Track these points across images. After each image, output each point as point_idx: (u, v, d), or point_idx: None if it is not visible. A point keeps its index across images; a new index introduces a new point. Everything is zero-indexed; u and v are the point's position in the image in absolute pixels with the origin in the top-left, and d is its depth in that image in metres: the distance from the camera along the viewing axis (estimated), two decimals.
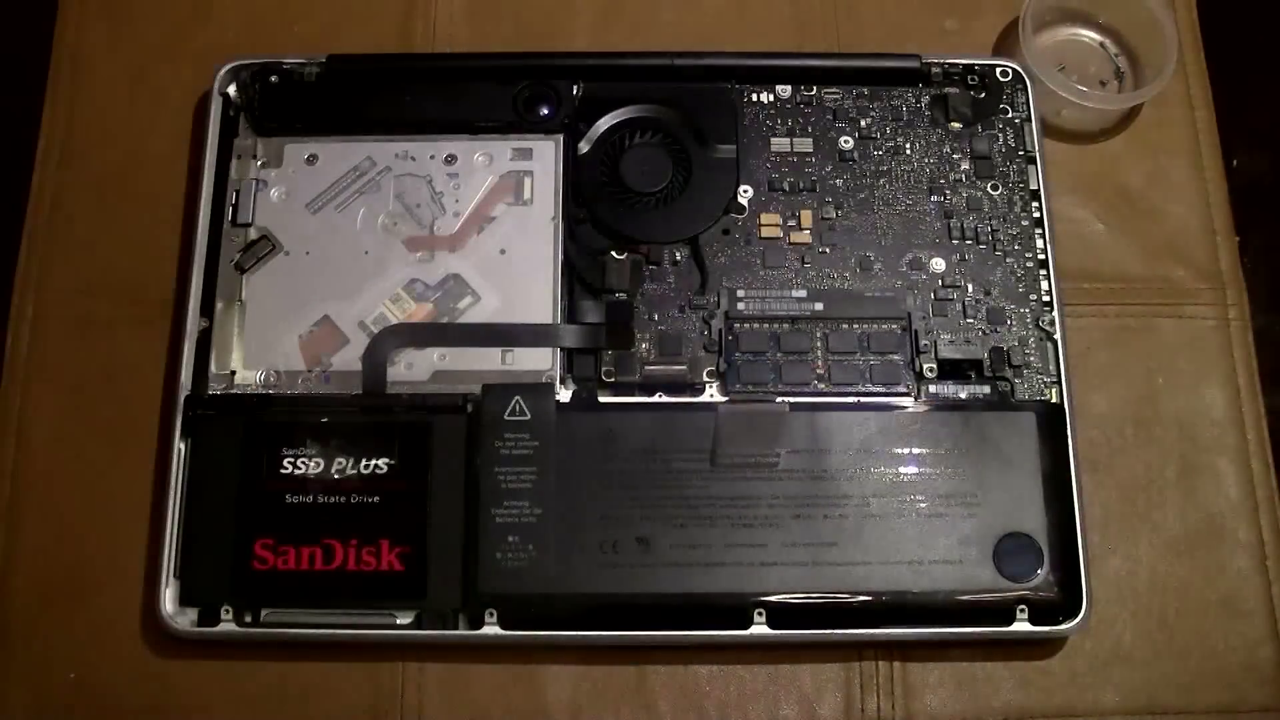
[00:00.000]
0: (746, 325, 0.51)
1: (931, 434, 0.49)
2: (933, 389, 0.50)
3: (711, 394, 0.50)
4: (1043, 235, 0.52)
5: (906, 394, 0.50)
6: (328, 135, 0.53)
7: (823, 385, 0.50)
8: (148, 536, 0.49)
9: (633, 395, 0.50)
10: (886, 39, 0.58)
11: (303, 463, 0.48)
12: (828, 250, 0.52)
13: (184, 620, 0.47)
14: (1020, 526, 0.47)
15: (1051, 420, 0.49)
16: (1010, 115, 0.54)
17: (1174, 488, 0.52)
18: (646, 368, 0.50)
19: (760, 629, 0.47)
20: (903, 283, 0.51)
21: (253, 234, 0.52)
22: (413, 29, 0.58)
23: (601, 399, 0.49)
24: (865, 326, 0.51)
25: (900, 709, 0.48)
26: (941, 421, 0.49)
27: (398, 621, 0.47)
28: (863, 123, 0.54)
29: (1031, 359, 0.50)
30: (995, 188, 0.53)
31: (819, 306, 0.51)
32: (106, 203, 0.55)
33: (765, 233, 0.52)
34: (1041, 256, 0.52)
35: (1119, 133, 0.57)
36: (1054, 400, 0.50)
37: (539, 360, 0.50)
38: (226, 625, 0.47)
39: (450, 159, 0.53)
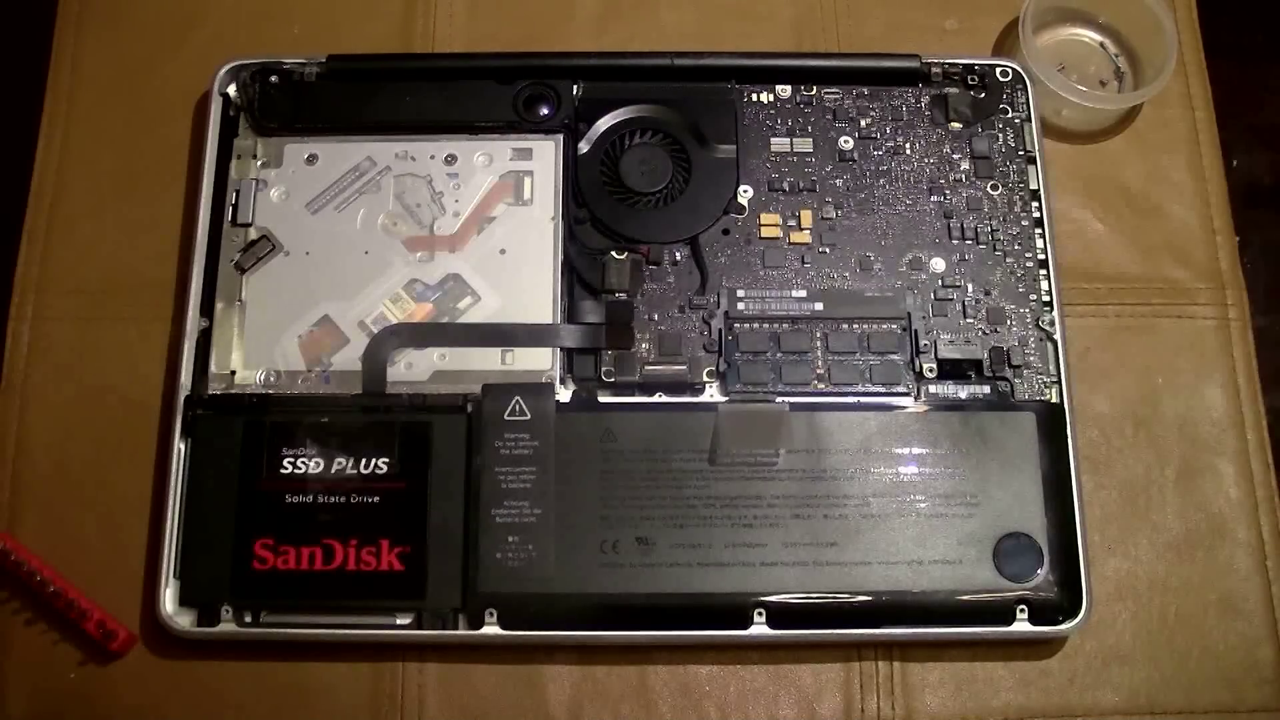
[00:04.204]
0: (746, 325, 0.51)
1: (931, 434, 0.49)
2: (933, 389, 0.50)
3: (711, 394, 0.50)
4: (1043, 235, 0.52)
5: (906, 394, 0.50)
6: (328, 135, 0.53)
7: (823, 385, 0.50)
8: (148, 536, 0.49)
9: (633, 395, 0.50)
10: (886, 39, 0.58)
11: (302, 462, 0.48)
12: (828, 250, 0.52)
13: (184, 620, 0.47)
14: (1020, 526, 0.47)
15: (1051, 420, 0.49)
16: (1010, 115, 0.54)
17: (1174, 488, 0.52)
18: (646, 368, 0.50)
19: (760, 629, 0.47)
20: (903, 283, 0.51)
21: (253, 234, 0.52)
22: (413, 29, 0.58)
23: (601, 399, 0.49)
24: (865, 326, 0.51)
25: (900, 709, 0.48)
26: (941, 421, 0.49)
27: (398, 621, 0.47)
28: (863, 123, 0.54)
29: (1031, 359, 0.50)
30: (995, 188, 0.53)
31: (819, 306, 0.51)
32: (106, 203, 0.55)
33: (765, 233, 0.52)
34: (1041, 256, 0.52)
35: (1119, 133, 0.57)
36: (1054, 400, 0.50)
37: (539, 360, 0.50)
38: (226, 625, 0.47)
39: (450, 159, 0.53)
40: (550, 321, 0.50)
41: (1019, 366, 0.50)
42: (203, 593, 0.47)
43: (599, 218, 0.52)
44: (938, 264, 0.52)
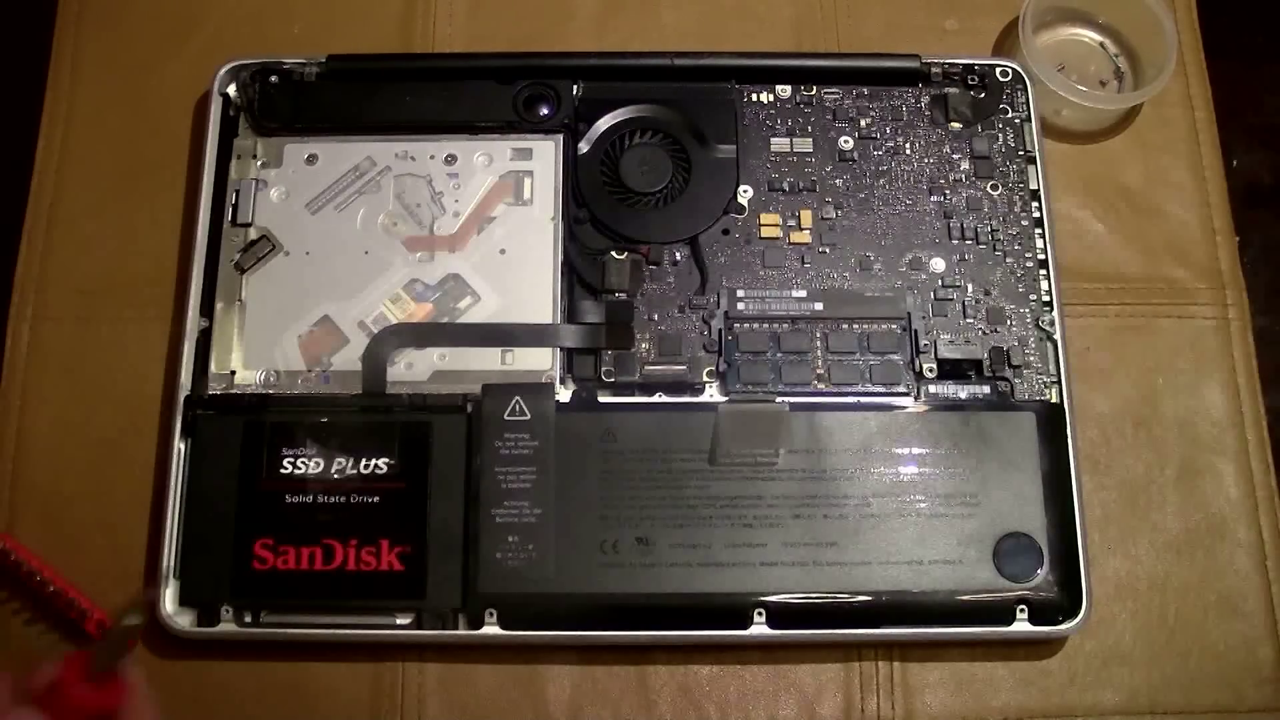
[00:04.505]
0: (746, 325, 0.51)
1: (931, 434, 0.49)
2: (933, 389, 0.50)
3: (711, 394, 0.50)
4: (1043, 235, 0.52)
5: (906, 394, 0.50)
6: (328, 135, 0.53)
7: (823, 385, 0.50)
8: (148, 536, 0.49)
9: (633, 395, 0.50)
10: (886, 39, 0.58)
11: (302, 463, 0.48)
12: (828, 250, 0.52)
13: (184, 620, 0.47)
14: (1020, 526, 0.47)
15: (1051, 420, 0.49)
16: (1010, 115, 0.54)
17: (1174, 488, 0.52)
18: (646, 368, 0.50)
19: (760, 629, 0.47)
20: (903, 283, 0.51)
21: (253, 234, 0.52)
22: (413, 29, 0.58)
23: (601, 399, 0.49)
24: (865, 326, 0.51)
25: (900, 709, 0.48)
26: (941, 421, 0.49)
27: (398, 621, 0.47)
28: (863, 123, 0.54)
29: (1031, 359, 0.50)
30: (995, 188, 0.53)
31: (819, 306, 0.51)
32: (106, 203, 0.55)
33: (765, 233, 0.52)
34: (1041, 256, 0.52)
35: (1119, 133, 0.57)
36: (1054, 400, 0.50)
37: (539, 360, 0.50)
38: (226, 625, 0.47)
39: (450, 159, 0.53)
40: (550, 321, 0.50)
41: (1019, 366, 0.50)
42: (203, 593, 0.47)
43: (599, 218, 0.52)
44: (938, 264, 0.52)
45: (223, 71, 0.54)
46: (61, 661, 0.36)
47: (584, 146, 0.53)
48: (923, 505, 0.48)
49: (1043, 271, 0.52)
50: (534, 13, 0.59)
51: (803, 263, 0.52)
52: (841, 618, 0.47)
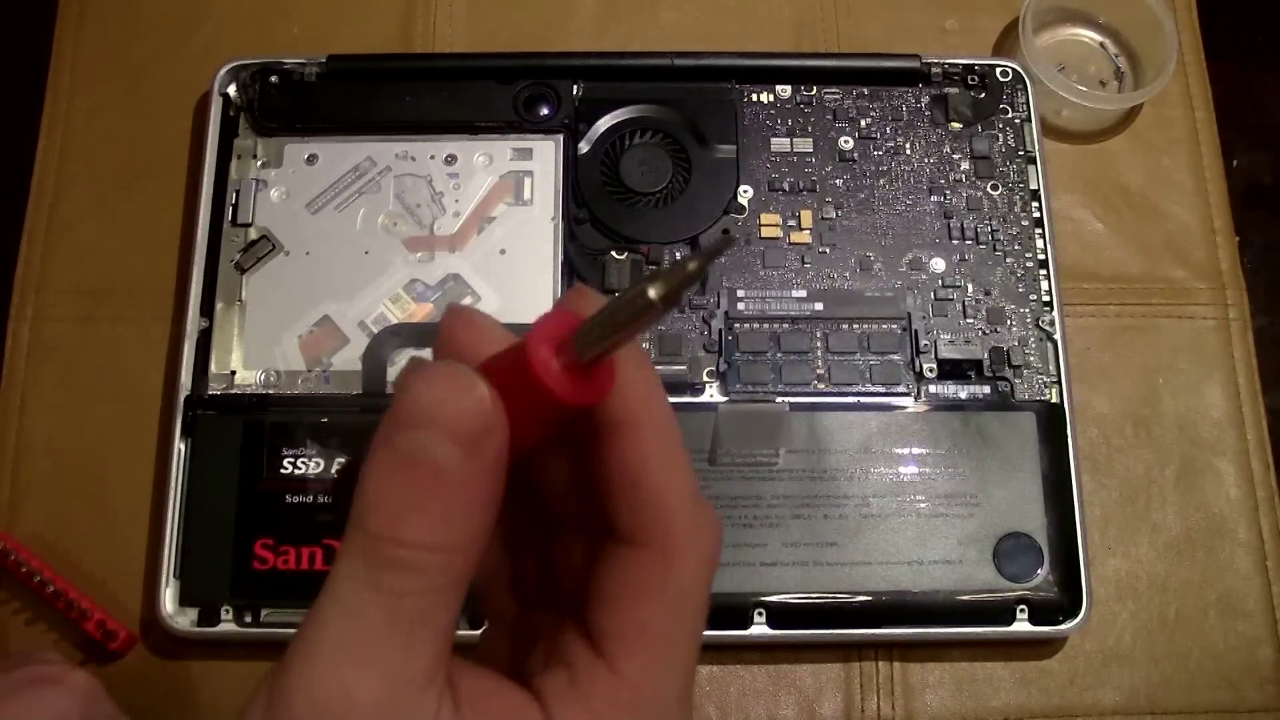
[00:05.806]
0: (746, 325, 0.51)
1: (931, 434, 0.49)
2: (933, 389, 0.50)
3: (711, 394, 0.50)
4: (1043, 235, 0.52)
5: (906, 394, 0.50)
6: (328, 135, 0.53)
7: (823, 385, 0.50)
8: (148, 536, 0.49)
9: None
10: (886, 39, 0.58)
11: (302, 462, 0.48)
12: (828, 250, 0.52)
13: (184, 620, 0.47)
14: (1020, 526, 0.47)
15: (1051, 420, 0.49)
16: (1010, 115, 0.54)
17: (1174, 488, 0.52)
18: None
19: (760, 629, 0.47)
20: (903, 283, 0.51)
21: (253, 234, 0.52)
22: (413, 29, 0.58)
23: None
24: (865, 326, 0.51)
25: (900, 709, 0.48)
26: (941, 421, 0.49)
27: None
28: (863, 123, 0.54)
29: (1031, 359, 0.50)
30: (995, 188, 0.53)
31: (819, 306, 0.51)
32: (106, 203, 0.55)
33: (765, 233, 0.52)
34: (1041, 256, 0.52)
35: (1119, 133, 0.57)
36: (1054, 400, 0.50)
37: None
38: (226, 625, 0.47)
39: (450, 159, 0.53)
40: None
41: (1019, 366, 0.50)
42: (203, 593, 0.47)
43: (599, 218, 0.52)
44: (938, 264, 0.52)
45: (223, 71, 0.54)
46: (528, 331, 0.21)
47: (584, 146, 0.53)
48: (923, 505, 0.48)
49: (1043, 271, 0.52)
50: (534, 13, 0.59)
51: (803, 263, 0.52)
52: (841, 618, 0.47)
